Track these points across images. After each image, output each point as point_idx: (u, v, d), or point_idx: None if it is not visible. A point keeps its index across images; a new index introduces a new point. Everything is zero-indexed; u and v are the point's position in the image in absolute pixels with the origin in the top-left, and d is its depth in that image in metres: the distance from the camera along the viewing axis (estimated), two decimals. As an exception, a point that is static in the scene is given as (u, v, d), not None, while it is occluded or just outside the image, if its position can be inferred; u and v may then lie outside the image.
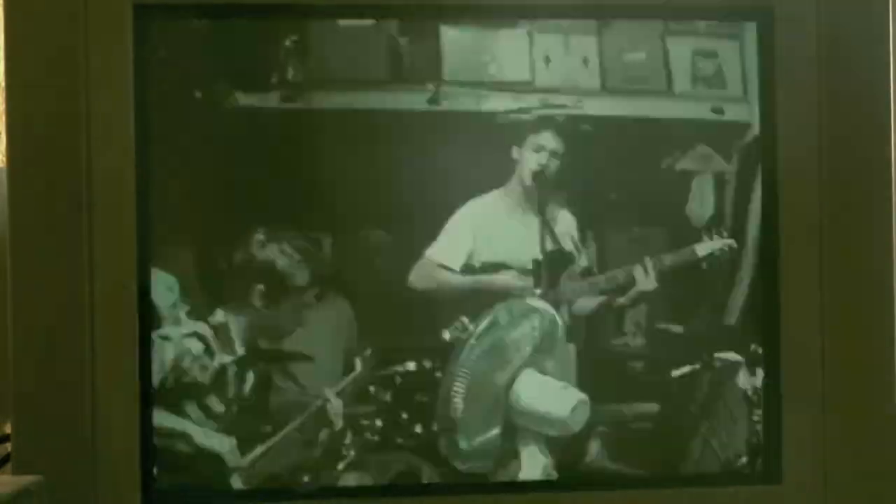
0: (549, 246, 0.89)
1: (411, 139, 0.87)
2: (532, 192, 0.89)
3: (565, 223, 0.89)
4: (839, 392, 0.87)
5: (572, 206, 0.89)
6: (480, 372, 0.88)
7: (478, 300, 0.88)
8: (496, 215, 0.88)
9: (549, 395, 0.88)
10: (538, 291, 0.89)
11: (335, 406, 0.87)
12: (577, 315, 0.89)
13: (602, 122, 0.88)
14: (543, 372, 0.89)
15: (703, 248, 0.89)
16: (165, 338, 0.85)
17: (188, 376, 0.85)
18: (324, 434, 0.87)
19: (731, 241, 0.89)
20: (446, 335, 0.87)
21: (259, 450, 0.86)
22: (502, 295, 0.88)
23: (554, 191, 0.89)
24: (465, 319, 0.88)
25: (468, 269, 0.88)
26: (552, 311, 0.89)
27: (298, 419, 0.86)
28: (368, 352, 0.87)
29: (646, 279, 0.89)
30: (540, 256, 0.89)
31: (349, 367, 0.87)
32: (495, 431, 0.88)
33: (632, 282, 0.89)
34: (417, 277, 0.87)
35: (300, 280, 0.87)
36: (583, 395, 0.88)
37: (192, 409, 0.85)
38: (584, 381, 0.89)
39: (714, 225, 0.89)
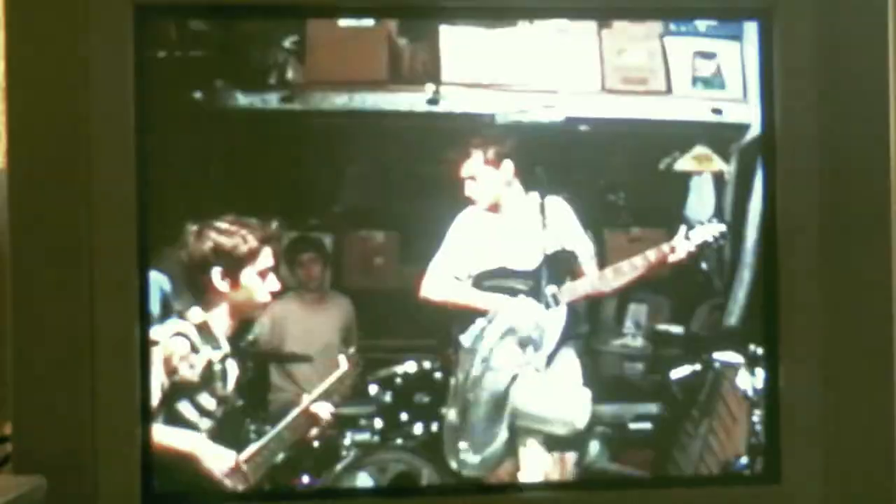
0: (549, 247, 0.89)
1: (411, 139, 0.87)
2: (530, 193, 0.89)
3: (564, 223, 0.89)
4: (839, 393, 0.87)
5: (571, 205, 0.89)
6: (483, 374, 0.88)
7: (479, 307, 0.89)
8: (494, 220, 0.89)
9: (552, 395, 0.89)
10: (540, 294, 0.89)
11: (322, 405, 0.87)
12: (577, 316, 0.89)
13: (601, 123, 0.88)
14: (547, 373, 0.89)
15: (697, 236, 0.89)
16: (163, 337, 0.85)
17: (185, 376, 0.85)
18: (314, 433, 0.87)
19: (722, 227, 0.89)
20: (461, 337, 0.88)
21: (252, 449, 0.86)
22: (504, 299, 0.89)
23: (553, 191, 0.89)
24: (474, 323, 0.88)
25: (474, 276, 0.89)
26: (553, 312, 0.89)
27: (288, 418, 0.86)
28: (352, 350, 0.87)
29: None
30: (540, 258, 0.89)
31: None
32: (497, 432, 0.88)
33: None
34: (432, 291, 0.87)
35: (297, 280, 0.88)
36: (585, 394, 0.89)
37: (188, 408, 0.85)
38: (584, 382, 0.89)
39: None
